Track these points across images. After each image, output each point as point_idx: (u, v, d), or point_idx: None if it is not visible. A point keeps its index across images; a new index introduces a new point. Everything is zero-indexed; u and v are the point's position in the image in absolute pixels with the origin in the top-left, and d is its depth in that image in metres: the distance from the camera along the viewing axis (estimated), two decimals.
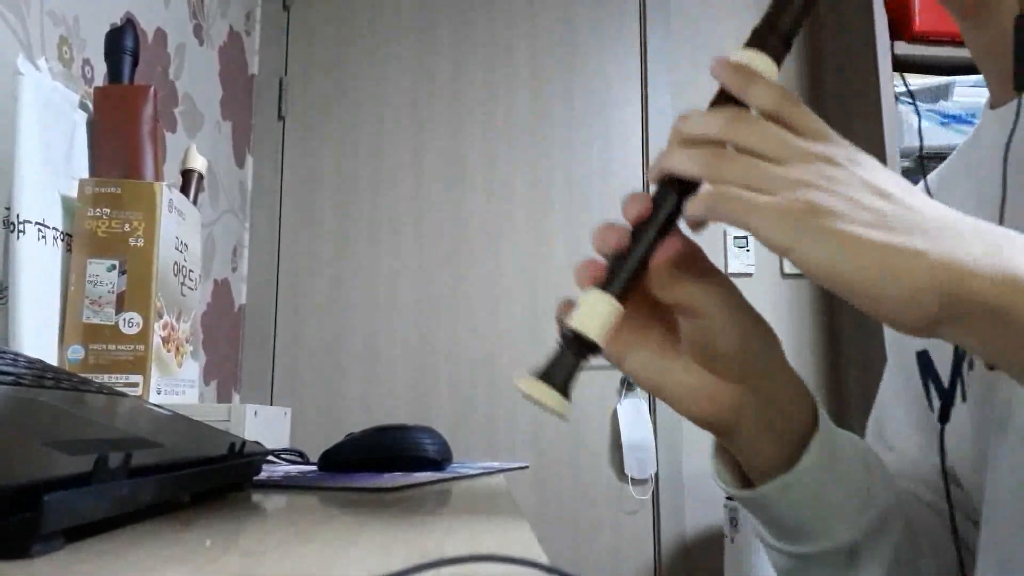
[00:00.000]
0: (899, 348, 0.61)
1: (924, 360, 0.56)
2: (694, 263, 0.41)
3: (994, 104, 0.54)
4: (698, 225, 0.37)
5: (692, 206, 0.36)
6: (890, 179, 0.36)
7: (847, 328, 2.03)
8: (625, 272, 0.39)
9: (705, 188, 0.36)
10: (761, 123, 0.36)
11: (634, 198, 0.40)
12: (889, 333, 0.64)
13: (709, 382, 0.42)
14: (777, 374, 0.44)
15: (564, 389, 0.38)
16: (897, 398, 0.62)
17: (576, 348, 0.39)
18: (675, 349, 0.43)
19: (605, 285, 0.39)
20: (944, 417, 0.52)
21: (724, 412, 0.42)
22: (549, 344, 1.88)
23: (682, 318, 0.42)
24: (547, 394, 0.38)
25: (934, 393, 0.55)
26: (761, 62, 0.40)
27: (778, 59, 0.40)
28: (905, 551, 0.48)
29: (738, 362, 0.42)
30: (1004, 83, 0.52)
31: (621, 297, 0.39)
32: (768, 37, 0.41)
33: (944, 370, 0.54)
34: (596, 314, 0.38)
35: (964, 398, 0.51)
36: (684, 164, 0.37)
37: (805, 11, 0.41)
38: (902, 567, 0.48)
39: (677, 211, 0.39)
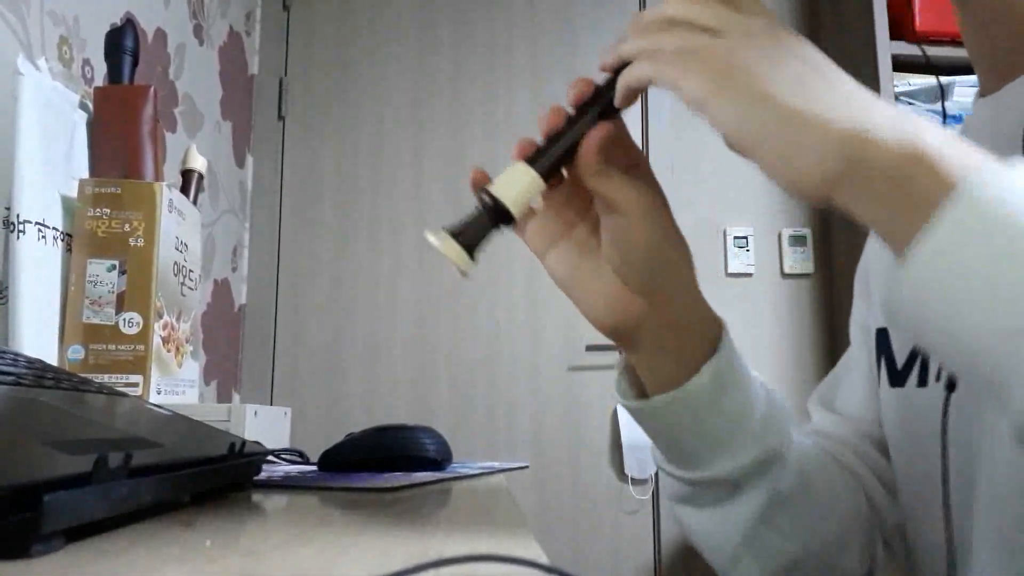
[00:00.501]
0: (862, 327, 0.66)
1: (881, 337, 0.59)
2: (626, 158, 0.43)
3: (984, 92, 0.54)
4: (631, 97, 0.40)
5: (626, 72, 0.39)
6: (813, 52, 0.37)
7: (847, 328, 2.03)
8: (555, 150, 0.41)
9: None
10: (701, 2, 0.38)
11: (577, 82, 0.43)
12: (855, 313, 0.68)
13: (615, 289, 0.44)
14: (683, 293, 0.46)
15: (471, 248, 0.40)
16: (854, 369, 0.65)
17: (492, 214, 0.40)
18: (594, 252, 0.45)
19: (532, 160, 0.41)
20: (897, 382, 0.55)
21: (625, 321, 0.44)
22: (549, 344, 1.87)
23: (603, 214, 0.44)
24: (454, 250, 0.40)
25: (884, 368, 0.57)
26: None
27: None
28: (791, 496, 0.50)
29: (647, 271, 0.43)
30: (996, 69, 0.52)
31: (546, 175, 0.41)
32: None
33: (902, 348, 0.56)
34: (515, 183, 0.40)
35: (938, 378, 0.50)
36: (630, 46, 0.40)
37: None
38: (784, 509, 0.50)
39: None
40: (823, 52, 0.39)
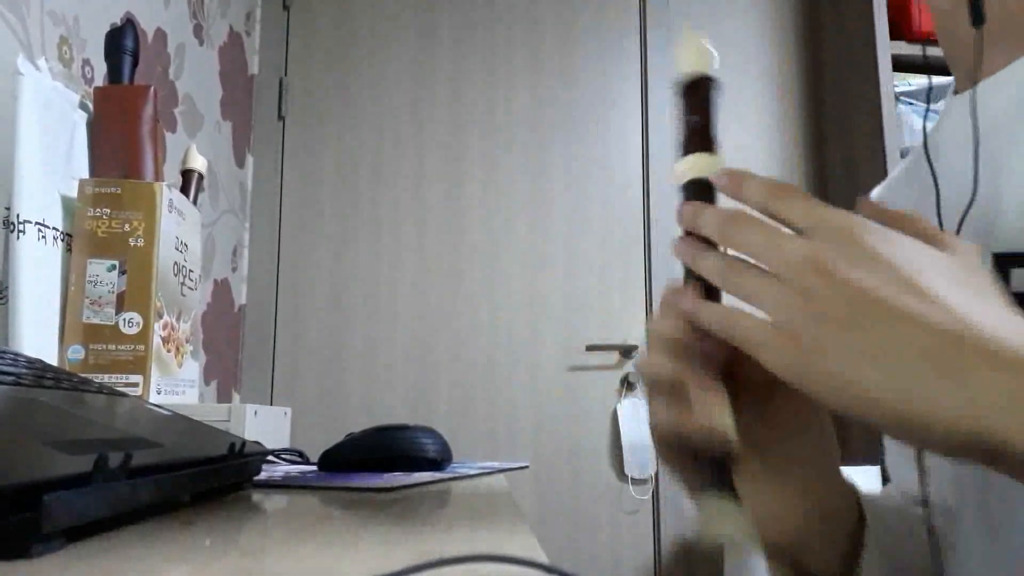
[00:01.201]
0: None
1: None
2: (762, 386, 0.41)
3: (958, 89, 0.55)
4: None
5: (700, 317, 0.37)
6: (886, 258, 0.33)
7: None
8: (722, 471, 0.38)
9: (712, 311, 0.37)
10: (748, 224, 0.36)
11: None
12: None
13: (769, 506, 0.42)
14: (832, 486, 0.44)
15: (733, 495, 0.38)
16: None
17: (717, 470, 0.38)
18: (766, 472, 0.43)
19: (719, 487, 0.38)
20: None
21: (785, 537, 0.42)
22: (549, 344, 1.86)
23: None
24: (735, 522, 0.38)
25: None
26: (706, 160, 0.41)
27: (715, 150, 0.41)
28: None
29: (799, 483, 0.42)
30: (966, 69, 0.52)
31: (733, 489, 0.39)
32: (698, 139, 0.41)
33: None
34: (733, 519, 0.38)
35: None
36: (699, 263, 0.38)
37: (709, 106, 0.42)
38: None
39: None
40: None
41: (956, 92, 0.55)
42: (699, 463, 0.38)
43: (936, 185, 0.48)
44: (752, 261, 0.36)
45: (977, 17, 0.48)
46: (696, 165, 0.40)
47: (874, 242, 0.33)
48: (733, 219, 0.36)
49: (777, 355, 0.33)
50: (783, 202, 0.36)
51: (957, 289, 0.32)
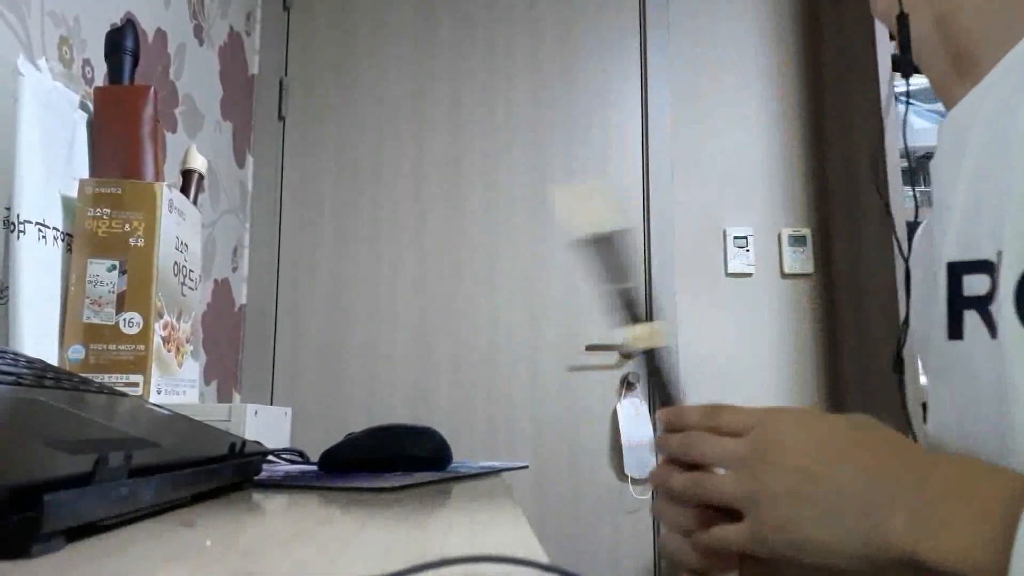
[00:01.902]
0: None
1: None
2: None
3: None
4: None
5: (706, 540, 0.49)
6: (802, 447, 0.44)
7: (847, 328, 2.03)
8: None
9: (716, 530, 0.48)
10: (698, 439, 0.49)
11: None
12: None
13: None
14: None
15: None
16: None
17: None
18: None
19: None
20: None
21: None
22: (549, 344, 1.86)
23: None
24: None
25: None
26: (646, 331, 0.50)
27: (649, 318, 0.50)
28: None
29: None
30: (943, 86, 0.56)
31: None
32: (631, 309, 0.50)
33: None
34: None
35: (994, 334, 0.47)
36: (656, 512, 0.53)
37: (624, 265, 0.50)
38: None
39: None
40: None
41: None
42: None
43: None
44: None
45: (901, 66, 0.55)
46: (640, 337, 0.49)
47: (790, 430, 0.45)
48: (687, 439, 0.50)
49: (753, 541, 0.44)
50: (718, 417, 0.49)
51: (862, 449, 0.42)
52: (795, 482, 0.42)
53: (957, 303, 0.47)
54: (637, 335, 0.47)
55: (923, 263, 0.62)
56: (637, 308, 0.48)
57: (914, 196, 0.85)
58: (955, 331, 0.48)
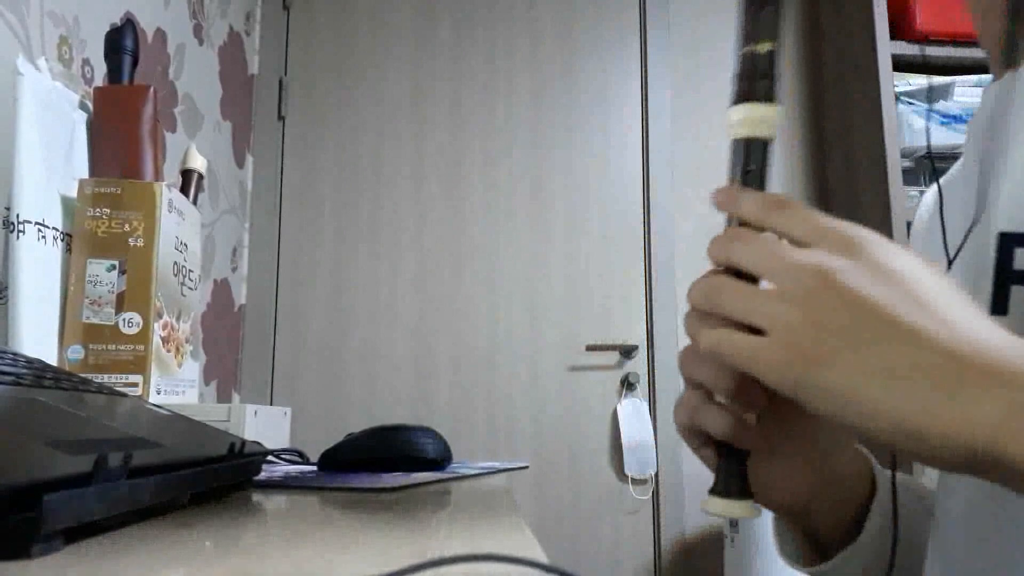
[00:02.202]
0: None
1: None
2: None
3: (995, 78, 0.54)
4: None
5: (698, 344, 0.38)
6: (892, 273, 0.33)
7: None
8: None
9: (705, 335, 0.37)
10: (747, 239, 0.37)
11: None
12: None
13: (785, 470, 0.45)
14: (846, 454, 0.47)
15: (744, 494, 0.40)
16: None
17: (737, 457, 0.41)
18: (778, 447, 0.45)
19: (733, 481, 0.40)
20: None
21: (797, 500, 0.46)
22: (549, 344, 1.86)
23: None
24: (735, 506, 0.40)
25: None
26: (757, 110, 0.38)
27: (771, 98, 0.39)
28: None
29: (815, 450, 0.45)
30: (1000, 55, 0.52)
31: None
32: (751, 84, 0.39)
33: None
34: (740, 509, 0.41)
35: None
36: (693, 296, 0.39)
37: (777, 32, 0.39)
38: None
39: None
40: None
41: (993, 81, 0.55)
42: (719, 451, 0.41)
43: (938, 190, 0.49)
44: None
45: (1008, 58, 0.49)
46: (749, 118, 0.38)
47: (880, 256, 0.34)
48: (733, 236, 0.37)
49: (771, 367, 0.34)
50: (783, 215, 0.37)
51: (958, 308, 0.33)
52: (863, 321, 0.32)
53: (1006, 276, 0.43)
54: (743, 117, 0.38)
55: (925, 235, 0.57)
56: (759, 82, 0.38)
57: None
58: (999, 306, 0.44)
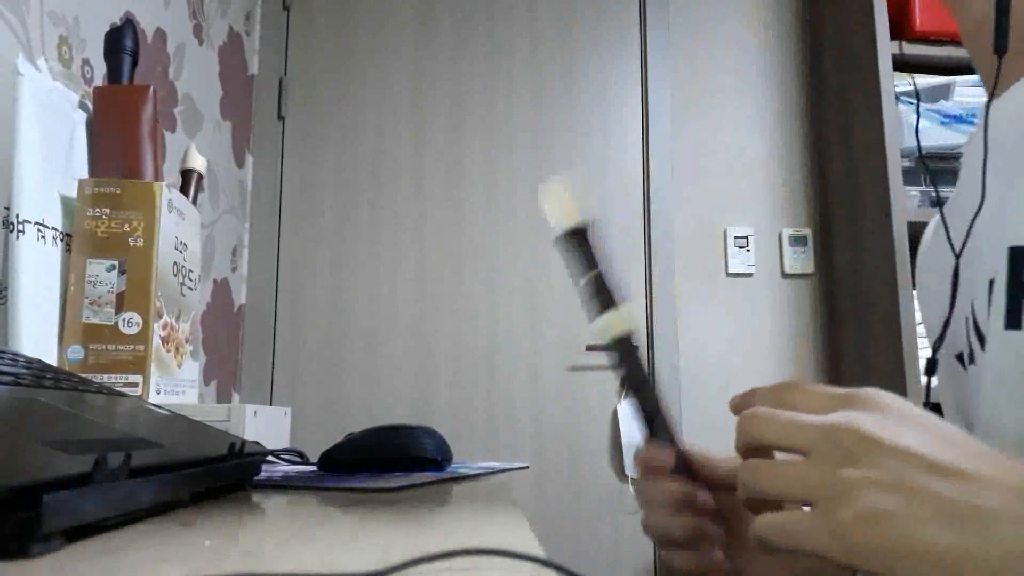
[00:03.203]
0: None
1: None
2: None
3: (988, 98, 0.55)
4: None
5: (752, 532, 0.36)
6: (916, 420, 0.34)
7: (847, 328, 2.03)
8: None
9: (759, 518, 0.36)
10: (766, 415, 0.37)
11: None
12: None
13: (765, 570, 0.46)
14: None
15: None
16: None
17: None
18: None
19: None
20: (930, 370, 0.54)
21: None
22: (549, 344, 1.86)
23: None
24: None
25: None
26: (617, 317, 0.45)
27: (620, 303, 0.46)
28: None
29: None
30: (992, 74, 0.53)
31: None
32: (603, 296, 0.46)
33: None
34: None
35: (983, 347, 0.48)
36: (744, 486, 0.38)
37: (596, 255, 0.46)
38: None
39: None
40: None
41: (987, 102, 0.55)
42: None
43: (986, 155, 0.50)
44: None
45: (999, 46, 0.49)
46: (611, 324, 0.45)
47: (899, 407, 0.34)
48: (751, 417, 0.37)
49: (827, 538, 0.32)
50: (795, 393, 0.38)
51: (983, 447, 0.33)
52: (908, 469, 0.31)
53: (1019, 291, 0.44)
54: (608, 322, 0.45)
55: (935, 257, 0.59)
56: (605, 296, 0.45)
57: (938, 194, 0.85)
58: (1014, 320, 0.44)
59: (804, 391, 0.37)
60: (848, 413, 0.34)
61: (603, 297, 0.45)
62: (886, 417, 0.34)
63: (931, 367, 0.54)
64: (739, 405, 0.40)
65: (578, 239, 0.45)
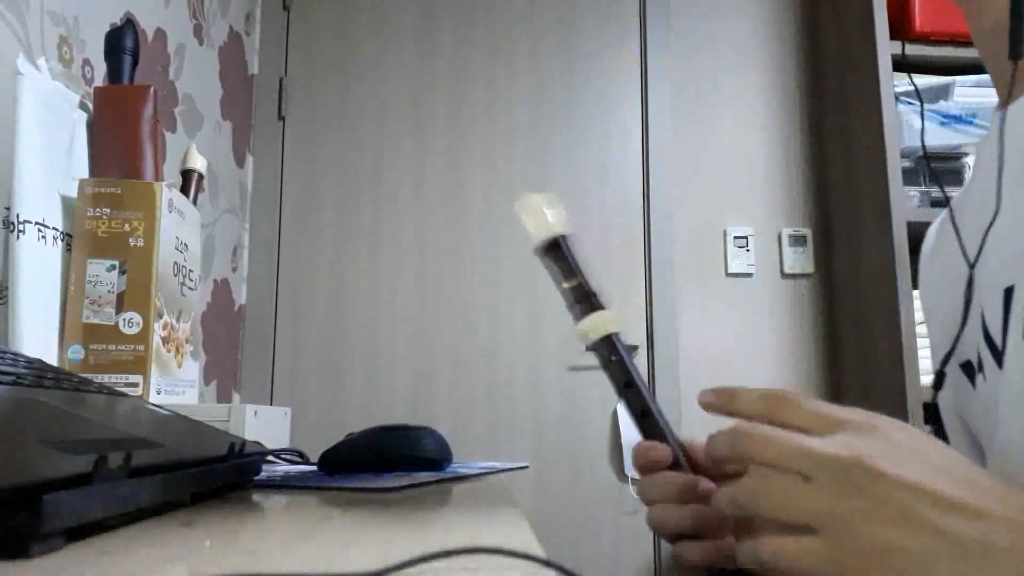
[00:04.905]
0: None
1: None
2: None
3: (1001, 105, 0.54)
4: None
5: (751, 553, 0.36)
6: (917, 451, 0.33)
7: (847, 328, 2.03)
8: None
9: (764, 541, 0.36)
10: (761, 434, 0.36)
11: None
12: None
13: None
14: None
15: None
16: None
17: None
18: None
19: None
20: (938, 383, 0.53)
21: None
22: (549, 344, 1.86)
23: None
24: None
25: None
26: (601, 319, 0.46)
27: (603, 306, 0.46)
28: None
29: None
30: (1006, 81, 0.52)
31: None
32: (585, 301, 0.46)
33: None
34: None
35: (1001, 365, 0.47)
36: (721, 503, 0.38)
37: (574, 263, 0.47)
38: None
39: None
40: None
41: (998, 107, 0.55)
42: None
43: (1001, 162, 0.49)
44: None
45: (1014, 51, 0.49)
46: (592, 328, 0.46)
47: (899, 437, 0.34)
48: (741, 432, 0.36)
49: (831, 567, 0.32)
50: (789, 409, 0.36)
51: (983, 476, 0.33)
52: (914, 502, 0.32)
53: None
54: (589, 326, 0.45)
55: (943, 262, 0.58)
56: (584, 302, 0.46)
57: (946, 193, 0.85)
58: None
59: (797, 408, 0.36)
60: (850, 440, 0.34)
61: (583, 304, 0.46)
62: (889, 447, 0.33)
63: (939, 381, 0.53)
64: (715, 404, 0.40)
65: (555, 250, 0.46)
